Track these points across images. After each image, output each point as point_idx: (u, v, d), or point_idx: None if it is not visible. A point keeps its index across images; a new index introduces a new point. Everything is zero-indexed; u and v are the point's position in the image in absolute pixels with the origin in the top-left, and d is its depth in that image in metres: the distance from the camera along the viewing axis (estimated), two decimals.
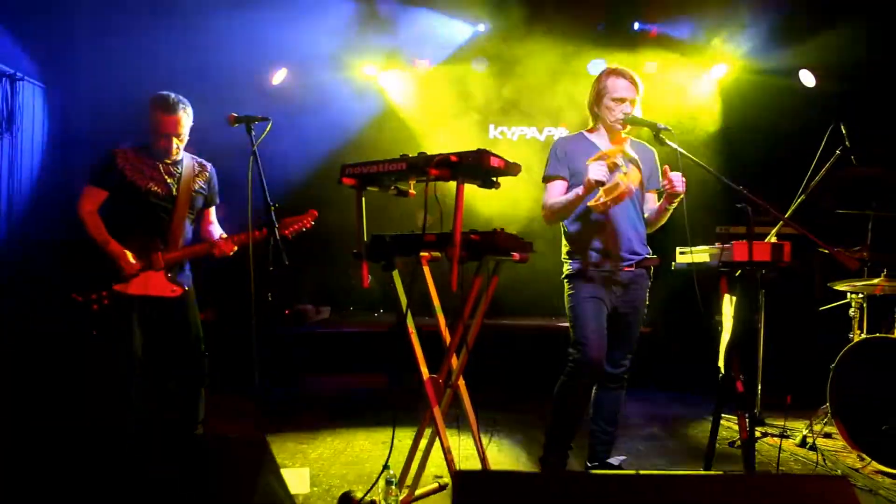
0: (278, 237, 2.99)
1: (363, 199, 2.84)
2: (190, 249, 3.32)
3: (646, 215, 3.30)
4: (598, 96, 3.24)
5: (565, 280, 3.27)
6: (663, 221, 3.28)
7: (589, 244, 3.19)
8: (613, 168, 2.96)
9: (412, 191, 2.84)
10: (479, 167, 2.52)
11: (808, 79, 6.27)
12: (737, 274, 3.13)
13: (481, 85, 6.85)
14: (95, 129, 4.45)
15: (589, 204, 3.00)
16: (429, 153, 2.61)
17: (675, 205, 3.14)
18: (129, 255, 3.18)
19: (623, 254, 3.19)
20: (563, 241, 3.32)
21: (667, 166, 3.06)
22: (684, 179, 3.04)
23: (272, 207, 3.02)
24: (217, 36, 5.09)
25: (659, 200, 3.25)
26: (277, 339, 5.73)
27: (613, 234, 3.18)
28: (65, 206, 3.59)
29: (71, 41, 5.19)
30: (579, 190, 3.03)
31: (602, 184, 2.93)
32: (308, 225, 3.39)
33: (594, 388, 3.29)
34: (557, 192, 3.21)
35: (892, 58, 5.39)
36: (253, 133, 3.01)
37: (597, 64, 6.61)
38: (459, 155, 2.52)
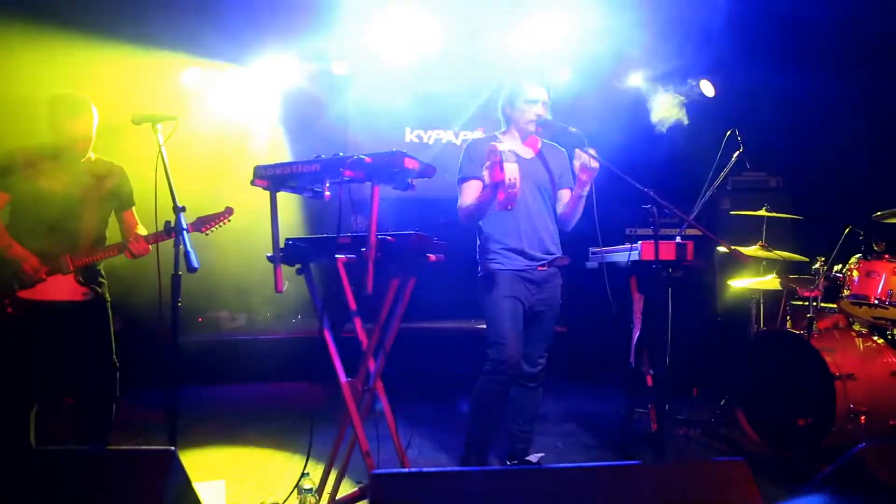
0: (187, 241, 2.87)
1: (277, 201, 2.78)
2: (102, 251, 3.15)
3: (561, 211, 3.37)
4: (511, 98, 3.30)
5: (481, 280, 3.31)
6: (579, 213, 3.30)
7: (503, 244, 3.24)
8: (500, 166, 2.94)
9: (327, 192, 2.81)
10: (393, 168, 2.52)
11: (707, 89, 6.64)
12: (644, 273, 3.27)
13: (397, 88, 6.85)
14: None
15: (495, 209, 3.01)
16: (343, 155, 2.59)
17: (586, 189, 3.16)
18: (34, 260, 2.98)
19: (537, 253, 3.26)
20: (478, 242, 3.36)
21: (577, 150, 3.09)
22: (594, 154, 3.06)
23: (180, 211, 2.90)
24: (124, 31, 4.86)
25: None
26: (190, 347, 5.51)
27: (527, 235, 3.24)
28: None
29: None
30: (480, 197, 3.03)
31: (497, 184, 2.91)
32: (225, 221, 3.29)
33: (511, 386, 3.34)
34: (472, 193, 3.23)
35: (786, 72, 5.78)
36: (160, 132, 2.89)
37: (510, 70, 6.73)
38: (374, 156, 2.51)
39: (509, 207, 2.93)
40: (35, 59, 4.56)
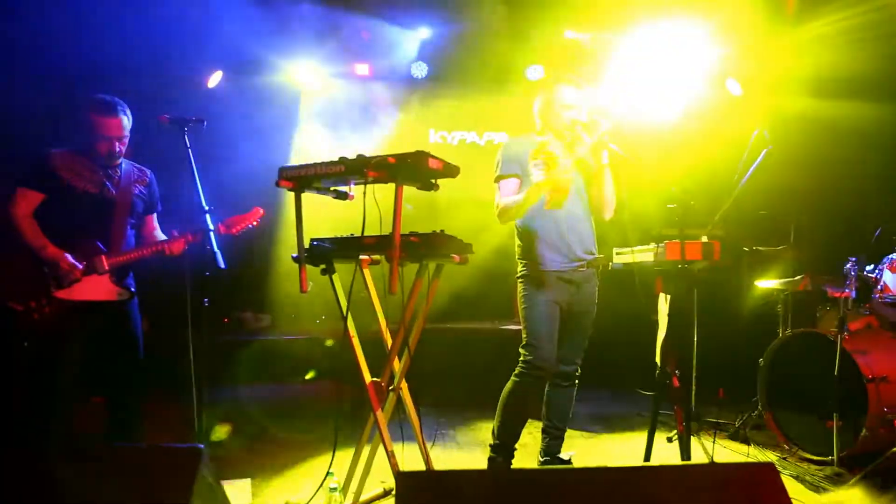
0: (214, 241, 2.91)
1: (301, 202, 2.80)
2: (136, 252, 3.19)
3: (601, 200, 3.33)
4: (548, 103, 3.29)
5: (519, 280, 3.31)
6: (612, 196, 3.30)
7: (543, 245, 3.24)
8: (552, 163, 2.98)
9: (351, 193, 2.82)
10: (417, 169, 2.52)
11: (734, 88, 6.56)
12: (670, 273, 3.23)
13: (421, 90, 6.87)
14: (14, 131, 4.21)
15: (545, 207, 3.03)
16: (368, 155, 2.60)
17: (605, 168, 3.19)
18: (70, 259, 3.03)
19: (576, 254, 3.25)
20: (517, 242, 3.36)
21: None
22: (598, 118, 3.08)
23: (207, 211, 2.95)
24: (151, 35, 4.94)
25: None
26: (216, 347, 5.58)
27: (567, 235, 3.23)
28: None
29: None
30: (528, 194, 3.02)
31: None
32: (254, 222, 3.34)
33: (546, 386, 3.35)
34: (509, 191, 3.23)
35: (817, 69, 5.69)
36: (187, 135, 2.94)
37: (535, 70, 6.74)
38: (397, 157, 2.51)
39: (559, 204, 2.94)
40: None
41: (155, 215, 3.43)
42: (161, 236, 3.39)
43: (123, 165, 3.26)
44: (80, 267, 3.05)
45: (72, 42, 4.54)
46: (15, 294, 3.00)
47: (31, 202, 3.07)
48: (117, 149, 3.14)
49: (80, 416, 3.30)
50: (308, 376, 5.09)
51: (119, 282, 3.17)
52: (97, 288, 3.11)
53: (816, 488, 3.37)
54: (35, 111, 4.07)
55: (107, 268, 3.10)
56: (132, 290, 3.23)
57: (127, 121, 3.14)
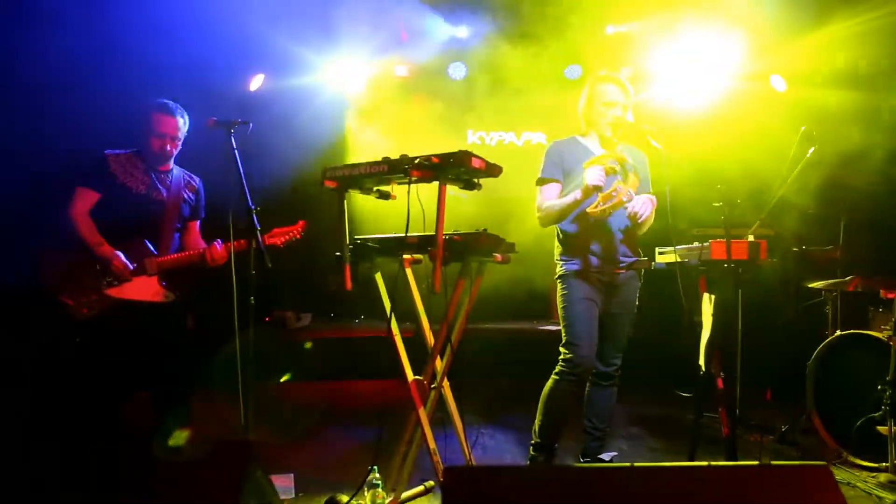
0: (260, 240, 2.98)
1: (345, 201, 2.84)
2: (184, 255, 3.29)
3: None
4: (589, 101, 3.28)
5: (559, 281, 3.30)
6: (648, 225, 3.31)
7: (583, 246, 3.22)
8: (611, 172, 3.00)
9: (394, 193, 2.85)
10: (460, 168, 2.54)
11: (779, 84, 6.41)
12: (715, 273, 3.19)
13: (459, 90, 6.89)
14: (70, 134, 4.35)
15: (588, 210, 3.03)
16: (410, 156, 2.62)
17: (644, 227, 3.23)
18: (122, 258, 3.14)
19: (616, 256, 3.23)
20: (556, 243, 3.35)
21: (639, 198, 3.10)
22: (651, 199, 3.10)
23: (253, 211, 3.01)
24: (194, 40, 5.05)
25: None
26: (259, 345, 5.66)
27: (607, 237, 3.22)
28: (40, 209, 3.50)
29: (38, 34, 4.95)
30: (577, 194, 3.04)
31: (600, 189, 2.96)
32: (297, 235, 3.41)
33: (587, 385, 3.33)
34: (551, 195, 3.24)
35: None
36: (233, 137, 3.01)
37: (573, 69, 6.69)
38: (441, 156, 2.53)
39: (606, 214, 2.95)
40: None
41: (198, 223, 3.52)
42: (202, 244, 3.48)
43: (174, 171, 3.36)
44: (132, 267, 3.15)
45: (122, 48, 4.68)
46: (67, 289, 3.12)
47: (88, 201, 3.19)
48: (169, 148, 3.24)
49: (128, 411, 3.40)
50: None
51: (166, 284, 3.26)
52: (145, 289, 3.21)
53: (869, 496, 3.27)
54: (92, 116, 4.20)
55: (156, 270, 3.20)
56: (177, 291, 3.32)
57: (182, 122, 3.25)
